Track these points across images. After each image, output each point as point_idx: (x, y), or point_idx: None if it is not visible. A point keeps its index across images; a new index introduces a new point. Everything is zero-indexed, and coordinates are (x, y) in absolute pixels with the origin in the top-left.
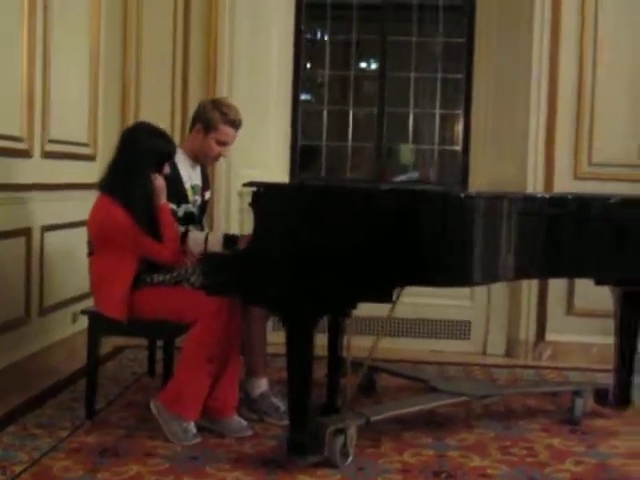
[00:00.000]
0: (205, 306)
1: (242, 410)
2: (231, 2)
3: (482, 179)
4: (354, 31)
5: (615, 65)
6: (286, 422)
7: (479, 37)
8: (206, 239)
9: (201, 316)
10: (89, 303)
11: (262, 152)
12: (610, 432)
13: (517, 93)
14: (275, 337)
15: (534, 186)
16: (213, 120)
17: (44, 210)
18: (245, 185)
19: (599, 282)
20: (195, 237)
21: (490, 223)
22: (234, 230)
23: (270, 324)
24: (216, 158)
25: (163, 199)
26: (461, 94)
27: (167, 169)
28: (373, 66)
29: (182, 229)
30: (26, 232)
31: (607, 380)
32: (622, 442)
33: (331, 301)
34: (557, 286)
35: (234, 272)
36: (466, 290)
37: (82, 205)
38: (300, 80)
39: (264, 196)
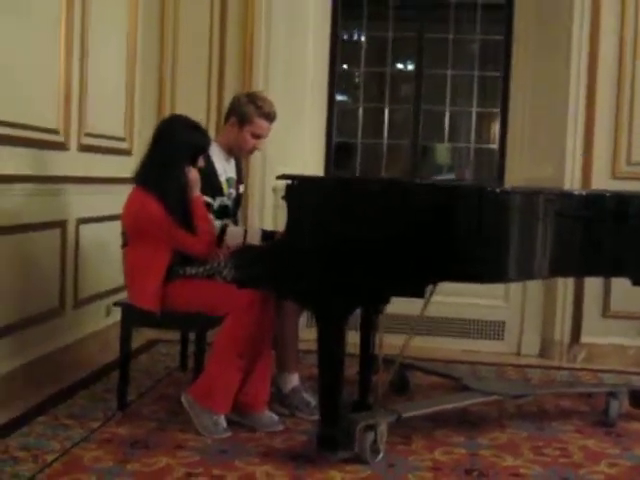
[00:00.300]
0: (237, 300)
1: (273, 405)
2: None
3: (519, 178)
4: (390, 29)
5: None
6: (317, 417)
7: (517, 36)
8: (245, 233)
9: (233, 309)
10: (123, 296)
11: (297, 149)
12: None
13: (555, 92)
14: (307, 334)
15: (571, 185)
16: (248, 113)
17: (79, 203)
18: (279, 178)
19: (636, 282)
20: (234, 231)
21: (526, 219)
22: (267, 226)
23: (303, 320)
24: (251, 151)
25: (197, 192)
26: (498, 92)
27: (202, 162)
28: (410, 67)
29: (219, 223)
30: (61, 224)
31: None
32: None
33: (362, 295)
34: (593, 287)
35: (266, 265)
36: (501, 290)
37: (117, 199)
38: (336, 76)
39: (298, 189)
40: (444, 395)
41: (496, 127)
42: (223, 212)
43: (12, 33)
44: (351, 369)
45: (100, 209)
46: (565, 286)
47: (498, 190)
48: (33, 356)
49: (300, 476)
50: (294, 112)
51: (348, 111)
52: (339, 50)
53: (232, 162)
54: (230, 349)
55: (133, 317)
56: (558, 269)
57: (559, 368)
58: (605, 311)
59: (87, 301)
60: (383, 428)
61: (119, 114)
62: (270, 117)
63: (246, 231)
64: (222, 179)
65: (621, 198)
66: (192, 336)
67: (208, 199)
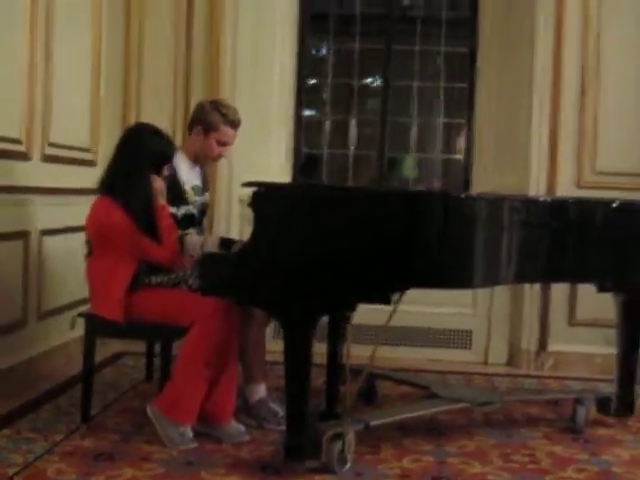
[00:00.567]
0: (202, 308)
1: (240, 416)
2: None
3: (485, 188)
4: (357, 42)
5: (618, 74)
6: (284, 427)
7: (482, 47)
8: (203, 242)
9: (198, 318)
10: (89, 308)
11: (264, 159)
12: (613, 440)
13: (520, 102)
14: (274, 345)
15: (537, 194)
16: (213, 121)
17: (43, 214)
18: (245, 185)
19: (602, 289)
20: (192, 240)
21: (491, 225)
22: (234, 236)
23: (269, 332)
24: (217, 159)
25: (162, 200)
26: (464, 103)
27: (167, 171)
28: (377, 83)
29: (180, 233)
30: (24, 235)
31: (610, 390)
32: (625, 450)
33: (328, 302)
34: (559, 296)
35: (230, 272)
36: (468, 298)
37: (81, 210)
38: (303, 89)
39: (263, 195)
40: (412, 403)
41: (462, 138)
42: (189, 221)
43: None
44: (318, 379)
45: (64, 220)
46: (532, 294)
47: (463, 196)
48: None
49: None
50: (260, 122)
51: (315, 123)
52: (306, 62)
53: (197, 170)
54: (196, 358)
55: (97, 327)
56: (524, 274)
57: (527, 376)
58: (571, 319)
59: (51, 313)
60: (351, 437)
61: (84, 125)
62: (235, 124)
63: (204, 240)
64: (187, 187)
65: (586, 204)
66: (158, 348)
67: (173, 209)
